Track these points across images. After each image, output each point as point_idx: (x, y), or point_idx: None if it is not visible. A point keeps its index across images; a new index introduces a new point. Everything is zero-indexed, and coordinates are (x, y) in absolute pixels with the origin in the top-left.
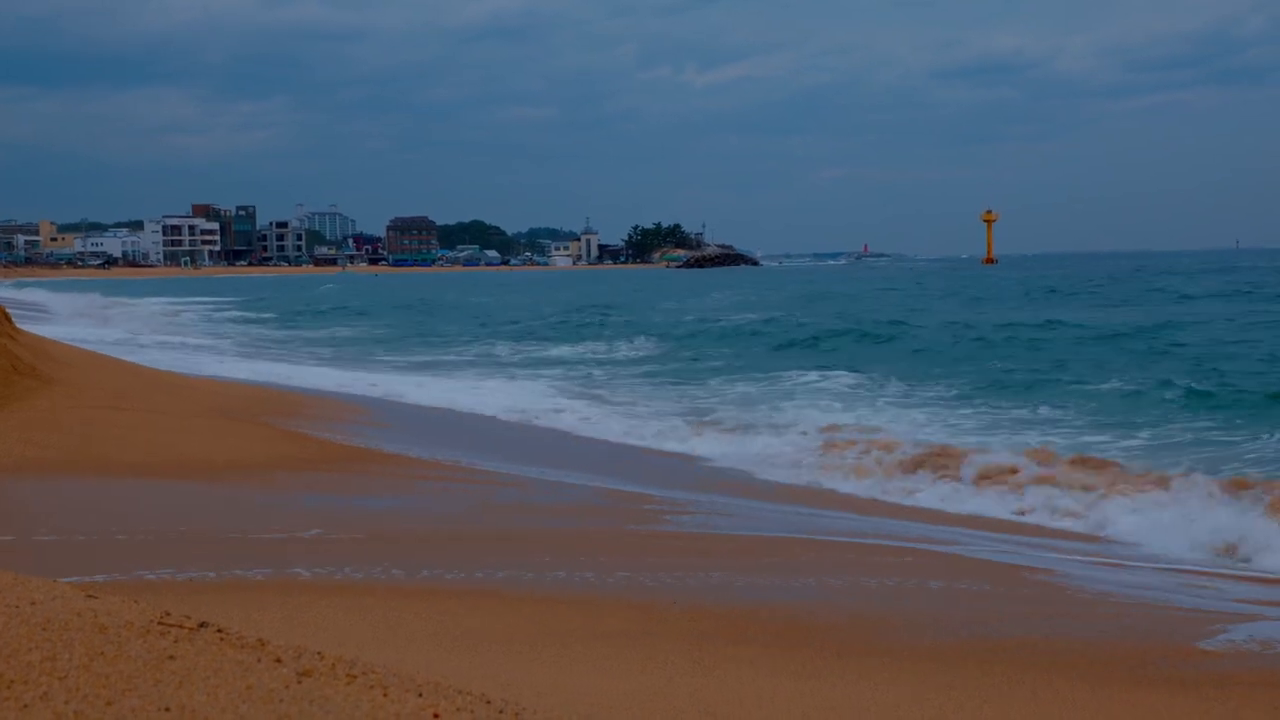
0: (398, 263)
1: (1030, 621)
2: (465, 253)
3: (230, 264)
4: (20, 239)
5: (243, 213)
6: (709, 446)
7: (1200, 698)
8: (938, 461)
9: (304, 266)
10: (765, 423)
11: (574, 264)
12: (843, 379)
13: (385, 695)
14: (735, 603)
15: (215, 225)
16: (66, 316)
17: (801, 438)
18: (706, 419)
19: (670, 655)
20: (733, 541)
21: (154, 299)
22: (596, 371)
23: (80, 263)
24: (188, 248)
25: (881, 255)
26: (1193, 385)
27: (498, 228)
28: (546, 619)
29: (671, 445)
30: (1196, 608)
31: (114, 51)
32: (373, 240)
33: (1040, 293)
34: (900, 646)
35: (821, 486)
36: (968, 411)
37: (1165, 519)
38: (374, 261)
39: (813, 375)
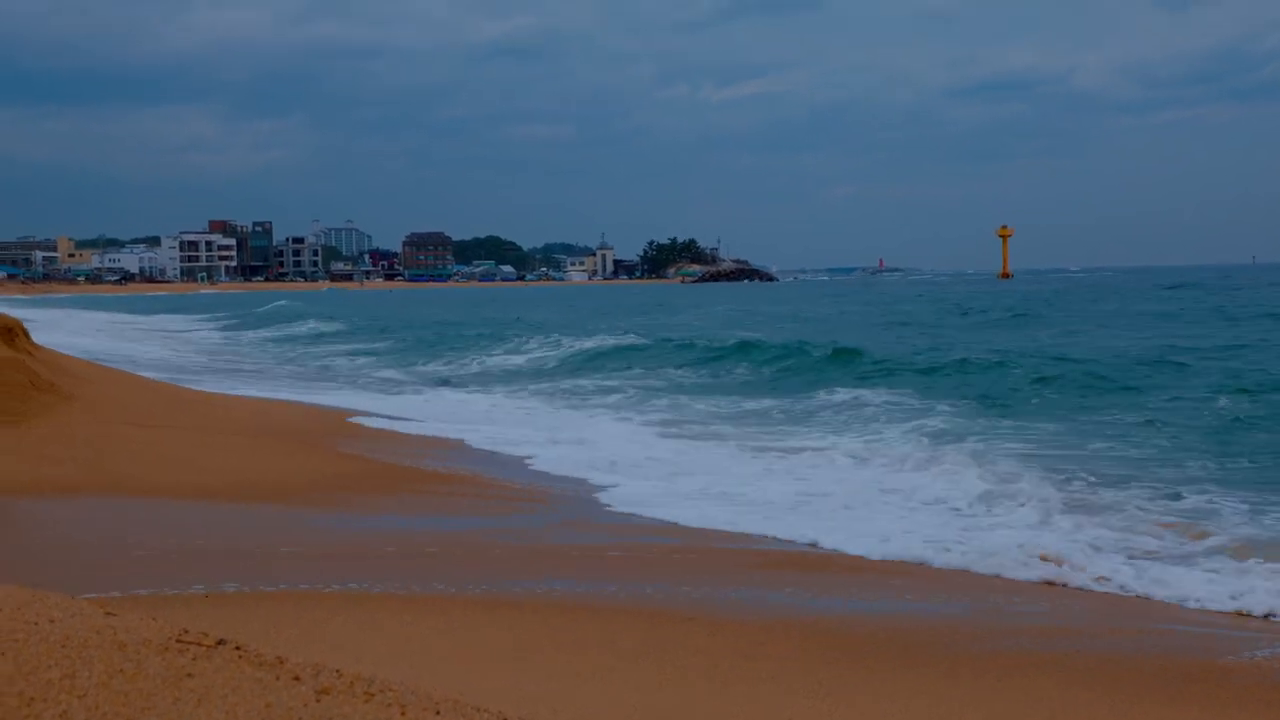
0: (414, 278)
1: (1055, 638)
2: (481, 268)
3: (247, 279)
4: (39, 255)
5: (259, 229)
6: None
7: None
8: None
9: (320, 282)
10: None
11: (589, 279)
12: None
13: (403, 714)
14: (754, 617)
15: (232, 241)
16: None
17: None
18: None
19: (688, 671)
20: (751, 556)
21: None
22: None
23: (98, 278)
24: (204, 264)
25: (895, 270)
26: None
27: (513, 243)
28: (565, 633)
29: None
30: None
31: (134, 71)
32: (389, 256)
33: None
34: (921, 663)
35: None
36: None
37: None
38: (390, 277)
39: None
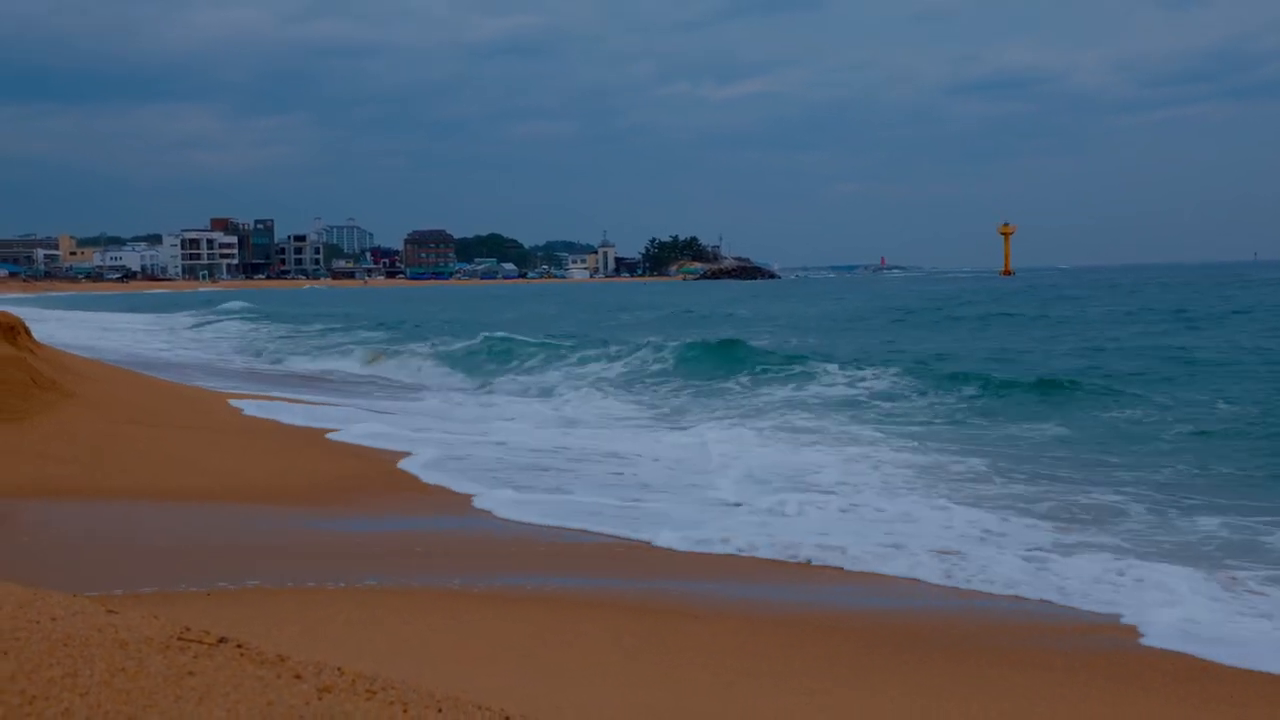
0: (415, 276)
1: (1048, 635)
2: (483, 266)
3: (248, 277)
4: (40, 253)
5: (261, 226)
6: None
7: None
8: None
9: (321, 279)
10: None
11: (591, 277)
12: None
13: (405, 712)
14: (755, 614)
15: (233, 239)
16: None
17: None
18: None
19: (689, 669)
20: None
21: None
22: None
23: (99, 276)
24: (206, 261)
25: (897, 268)
26: None
27: (515, 241)
28: (566, 630)
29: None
30: None
31: (137, 69)
32: (390, 254)
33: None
34: (917, 658)
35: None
36: None
37: None
38: (391, 275)
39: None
